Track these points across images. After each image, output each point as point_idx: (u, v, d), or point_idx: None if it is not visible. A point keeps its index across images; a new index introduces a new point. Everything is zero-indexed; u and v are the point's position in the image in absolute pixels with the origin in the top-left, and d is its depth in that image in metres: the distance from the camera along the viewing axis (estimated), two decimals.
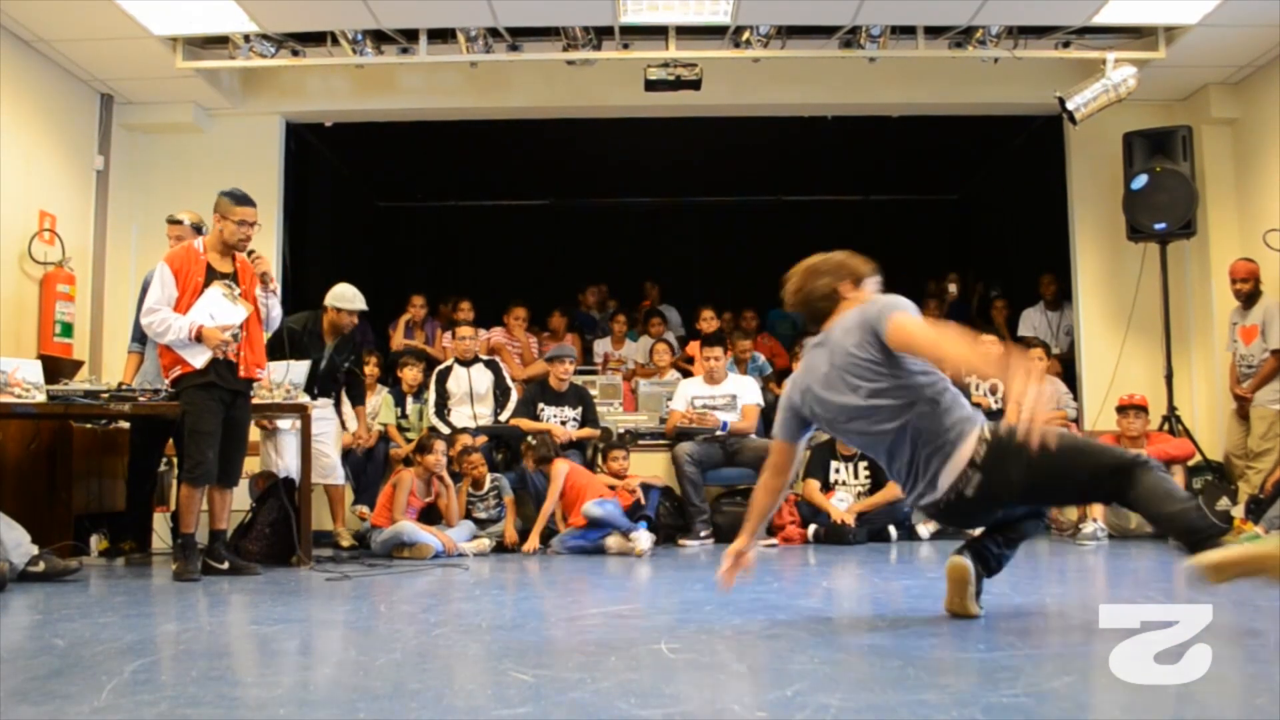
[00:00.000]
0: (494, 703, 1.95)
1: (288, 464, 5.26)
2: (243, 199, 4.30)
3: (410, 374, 6.31)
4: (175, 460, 5.16)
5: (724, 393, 6.12)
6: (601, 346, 7.85)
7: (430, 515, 5.39)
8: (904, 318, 2.61)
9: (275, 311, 4.55)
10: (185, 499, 4.25)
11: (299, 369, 4.90)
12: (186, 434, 4.21)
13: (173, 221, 4.96)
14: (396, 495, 5.22)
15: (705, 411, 6.04)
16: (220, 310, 4.25)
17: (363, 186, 9.60)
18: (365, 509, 5.59)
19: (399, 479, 5.30)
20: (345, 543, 5.58)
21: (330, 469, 5.54)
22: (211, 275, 4.29)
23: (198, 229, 4.84)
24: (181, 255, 4.32)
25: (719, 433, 5.97)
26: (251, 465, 5.21)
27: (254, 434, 4.97)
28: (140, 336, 4.98)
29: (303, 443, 4.83)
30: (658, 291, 8.87)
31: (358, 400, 5.78)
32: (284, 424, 5.31)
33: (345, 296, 5.39)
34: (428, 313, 7.67)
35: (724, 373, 6.21)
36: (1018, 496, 2.63)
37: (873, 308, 2.70)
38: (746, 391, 6.16)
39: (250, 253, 4.46)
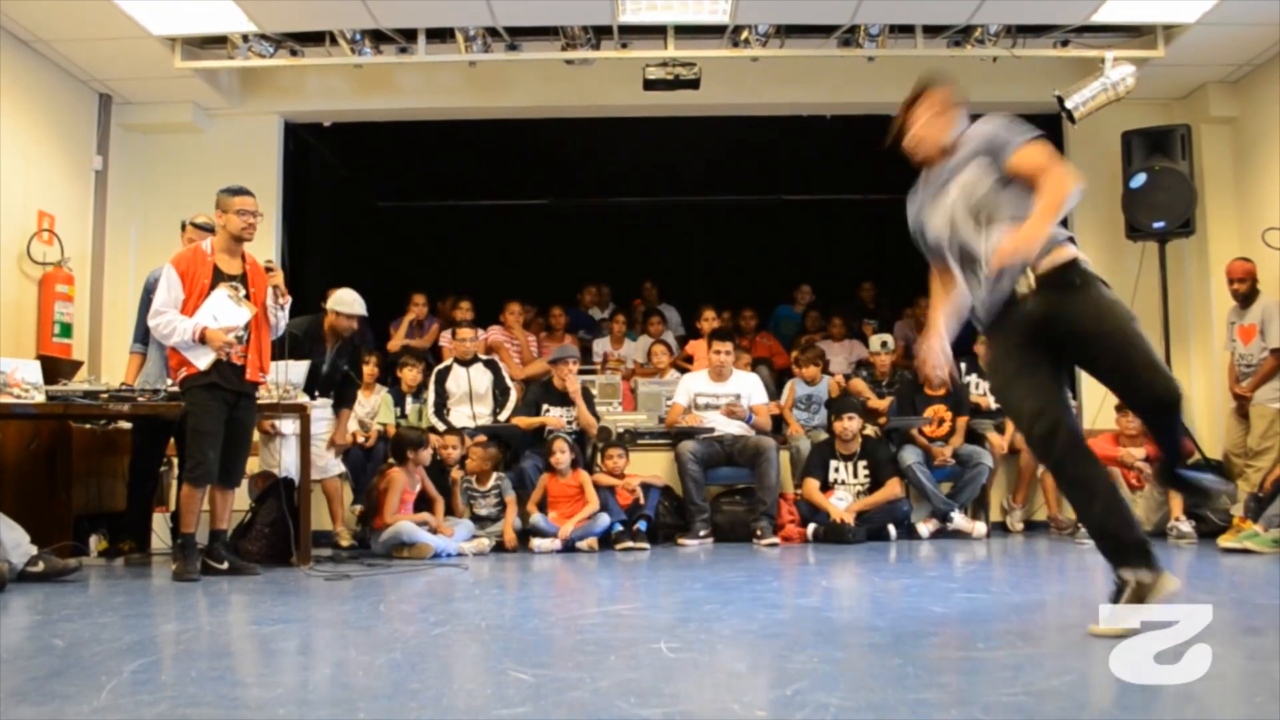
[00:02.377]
0: (494, 703, 1.95)
1: (287, 464, 5.25)
2: (239, 190, 4.35)
3: (409, 374, 6.29)
4: (175, 460, 5.16)
5: (728, 391, 6.07)
6: (601, 346, 7.84)
7: (422, 504, 5.35)
8: None
9: (284, 323, 4.62)
10: (186, 499, 4.26)
11: (297, 369, 4.91)
12: (189, 434, 4.21)
13: (196, 226, 4.96)
14: (389, 498, 5.17)
15: (704, 414, 6.02)
16: (224, 312, 4.26)
17: (362, 186, 9.58)
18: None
19: (389, 480, 5.26)
20: (345, 543, 5.57)
21: (326, 465, 5.53)
22: (218, 277, 4.31)
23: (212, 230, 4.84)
24: (188, 257, 4.34)
25: (747, 423, 5.94)
26: (253, 465, 5.21)
27: (255, 434, 4.96)
28: (142, 337, 4.98)
29: (302, 443, 4.83)
30: (656, 291, 8.85)
31: (346, 404, 5.62)
32: (287, 429, 5.31)
33: (345, 301, 5.40)
34: (428, 311, 7.66)
35: (730, 369, 6.17)
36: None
37: None
38: (754, 391, 6.11)
39: (268, 265, 4.52)
